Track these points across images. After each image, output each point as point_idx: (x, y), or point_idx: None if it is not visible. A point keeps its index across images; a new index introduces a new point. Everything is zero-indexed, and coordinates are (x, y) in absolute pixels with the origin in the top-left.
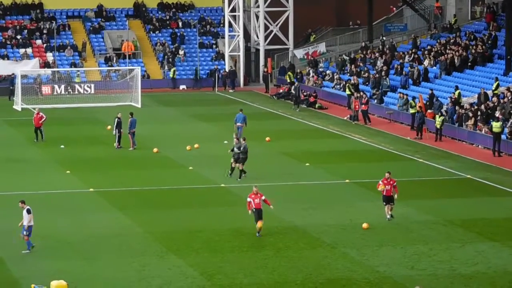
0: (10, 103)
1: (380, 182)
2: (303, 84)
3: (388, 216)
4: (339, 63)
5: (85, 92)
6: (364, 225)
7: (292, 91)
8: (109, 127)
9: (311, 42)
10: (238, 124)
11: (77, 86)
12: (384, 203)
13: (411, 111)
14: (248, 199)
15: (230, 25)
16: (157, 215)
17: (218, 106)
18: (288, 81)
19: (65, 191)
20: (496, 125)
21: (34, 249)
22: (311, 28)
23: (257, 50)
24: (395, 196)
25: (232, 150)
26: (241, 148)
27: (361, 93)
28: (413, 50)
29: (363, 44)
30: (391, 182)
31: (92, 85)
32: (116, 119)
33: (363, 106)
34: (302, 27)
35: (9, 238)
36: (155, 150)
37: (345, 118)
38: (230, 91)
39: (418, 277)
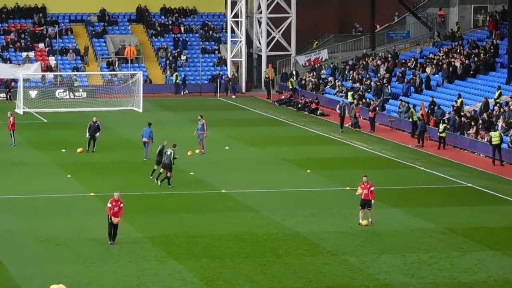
0: (11, 107)
1: (359, 187)
2: (305, 91)
3: (360, 221)
4: (341, 71)
5: (79, 96)
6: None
7: (337, 110)
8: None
9: (314, 48)
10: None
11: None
12: (360, 208)
13: (414, 118)
14: (109, 205)
15: (233, 31)
16: (157, 220)
17: (220, 112)
18: (290, 87)
19: (66, 195)
20: (495, 135)
21: (35, 252)
22: (314, 34)
23: (259, 56)
24: (372, 201)
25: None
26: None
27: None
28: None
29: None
30: (368, 186)
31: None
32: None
33: (370, 113)
34: (304, 34)
35: (9, 241)
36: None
37: (346, 125)
38: (233, 97)
39: (418, 285)
